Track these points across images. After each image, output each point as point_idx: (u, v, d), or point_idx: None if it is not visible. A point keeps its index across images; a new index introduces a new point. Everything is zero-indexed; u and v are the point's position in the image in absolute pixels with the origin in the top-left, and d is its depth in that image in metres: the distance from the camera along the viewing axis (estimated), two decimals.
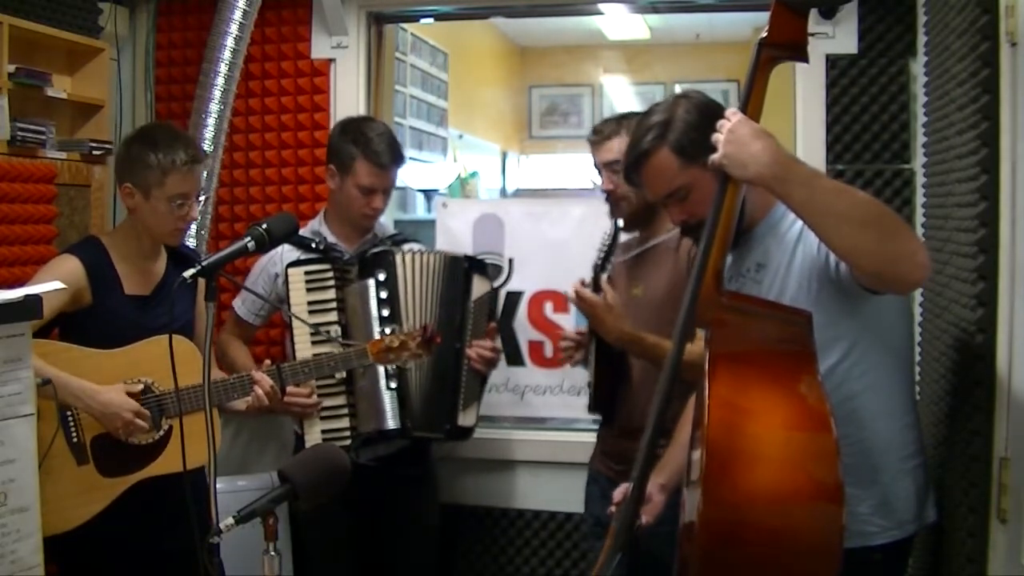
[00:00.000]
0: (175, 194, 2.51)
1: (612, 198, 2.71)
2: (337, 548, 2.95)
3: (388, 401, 2.86)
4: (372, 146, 2.89)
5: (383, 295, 2.86)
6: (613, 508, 2.04)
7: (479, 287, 2.98)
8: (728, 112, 1.80)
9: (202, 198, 2.65)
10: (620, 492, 2.03)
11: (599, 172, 2.76)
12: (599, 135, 2.74)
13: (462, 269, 2.97)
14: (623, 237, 2.80)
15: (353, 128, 2.95)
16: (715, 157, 1.77)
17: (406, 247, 3.02)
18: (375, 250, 2.97)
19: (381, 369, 2.83)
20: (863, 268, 1.69)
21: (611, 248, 2.71)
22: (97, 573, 2.51)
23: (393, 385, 2.84)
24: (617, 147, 2.65)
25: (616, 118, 2.76)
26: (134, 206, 2.55)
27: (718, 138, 1.77)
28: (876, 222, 1.66)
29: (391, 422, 2.85)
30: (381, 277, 2.87)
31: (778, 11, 1.76)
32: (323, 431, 2.84)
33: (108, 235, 2.69)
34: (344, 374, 2.83)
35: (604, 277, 2.70)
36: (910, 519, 1.95)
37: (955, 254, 2.28)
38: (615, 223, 2.71)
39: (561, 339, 2.83)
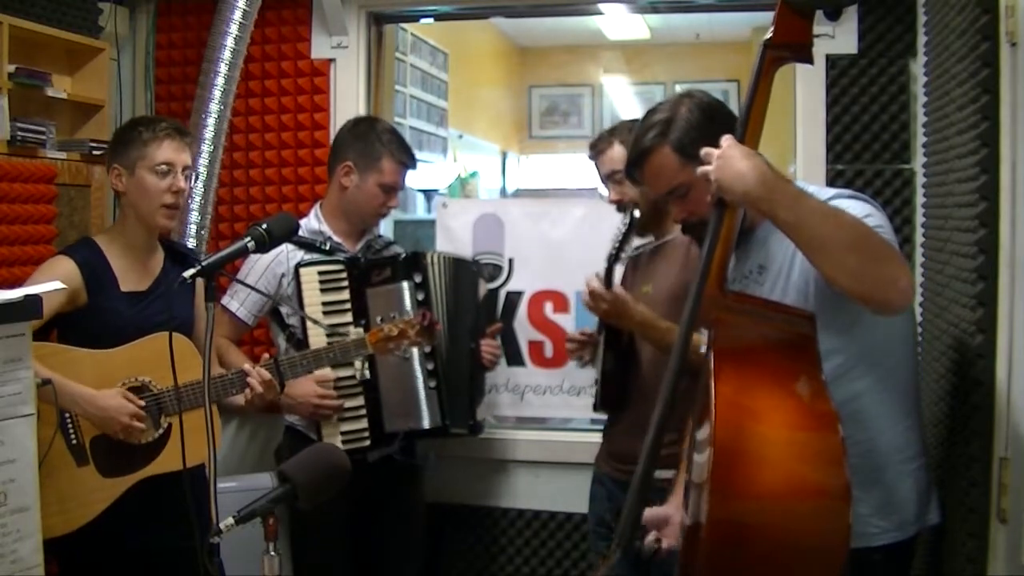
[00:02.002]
0: (159, 162, 2.52)
1: (621, 207, 2.73)
2: (334, 545, 2.96)
3: (426, 400, 2.91)
4: (397, 145, 2.98)
5: (420, 297, 2.91)
6: (648, 540, 2.02)
7: (481, 288, 3.13)
8: (723, 138, 1.81)
9: (192, 175, 2.64)
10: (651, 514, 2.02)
11: (605, 184, 2.79)
12: (594, 149, 2.78)
13: (472, 272, 3.09)
14: (635, 241, 2.80)
15: (368, 128, 3.01)
16: (707, 171, 1.78)
17: (394, 249, 3.10)
18: (396, 249, 3.04)
19: (418, 370, 2.89)
20: (845, 290, 1.71)
21: (626, 236, 2.68)
22: (97, 572, 2.50)
23: (433, 384, 2.91)
24: (614, 157, 2.69)
25: (609, 129, 2.81)
26: (123, 188, 2.56)
27: (710, 153, 1.79)
28: (860, 247, 1.68)
29: (427, 421, 2.92)
30: (418, 279, 2.92)
31: (783, 12, 1.76)
32: (343, 433, 2.87)
33: (102, 234, 2.69)
34: (367, 375, 2.86)
35: (618, 268, 2.69)
36: (911, 520, 1.95)
37: (955, 254, 2.28)
38: (631, 212, 2.68)
39: (567, 340, 2.84)
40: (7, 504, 1.94)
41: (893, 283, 1.68)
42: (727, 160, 1.75)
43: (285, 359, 2.65)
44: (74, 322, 2.50)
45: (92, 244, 2.61)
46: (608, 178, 2.75)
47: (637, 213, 2.68)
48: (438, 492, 3.40)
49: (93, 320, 2.51)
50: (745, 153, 1.75)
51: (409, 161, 3.01)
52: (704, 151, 1.81)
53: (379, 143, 2.95)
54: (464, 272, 3.06)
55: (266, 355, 2.72)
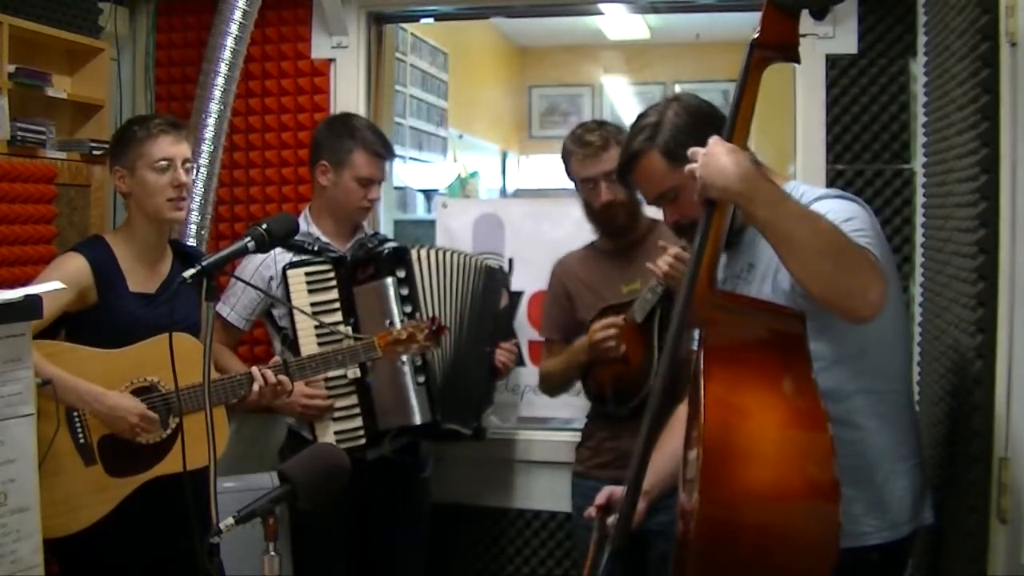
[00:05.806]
0: (157, 159, 2.52)
1: (611, 207, 2.73)
2: (334, 545, 2.97)
3: (415, 397, 2.90)
4: (367, 137, 2.96)
5: (404, 292, 2.89)
6: (592, 510, 2.04)
7: (502, 298, 3.13)
8: (710, 138, 1.81)
9: (193, 168, 2.65)
10: (603, 495, 2.03)
11: (590, 185, 2.77)
12: (590, 147, 2.74)
13: (497, 279, 3.09)
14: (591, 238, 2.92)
15: (340, 124, 3.02)
16: (693, 168, 1.79)
17: (389, 246, 3.07)
18: (389, 246, 3.02)
19: (407, 366, 2.87)
20: (814, 295, 1.71)
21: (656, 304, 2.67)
22: (98, 573, 2.50)
23: (421, 380, 2.89)
24: (615, 155, 2.67)
25: (596, 127, 2.79)
26: (127, 190, 2.57)
27: (696, 151, 1.79)
28: (834, 253, 1.68)
29: (419, 417, 2.90)
30: (401, 274, 2.90)
31: (769, 12, 1.77)
32: (336, 432, 2.85)
33: (112, 234, 2.69)
34: (358, 373, 2.85)
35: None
36: (905, 520, 1.94)
37: (955, 254, 2.28)
38: (659, 284, 2.63)
39: (604, 328, 2.75)
40: (7, 504, 1.95)
41: (862, 293, 1.68)
42: (711, 156, 1.76)
43: (294, 361, 2.65)
44: (83, 321, 2.50)
45: (103, 242, 2.61)
46: (604, 176, 2.72)
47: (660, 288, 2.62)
48: (439, 492, 3.40)
49: (102, 320, 2.51)
50: (729, 150, 1.75)
51: (383, 151, 2.99)
52: (691, 150, 1.82)
53: (349, 138, 2.94)
54: (488, 278, 3.05)
55: (276, 358, 2.71)
